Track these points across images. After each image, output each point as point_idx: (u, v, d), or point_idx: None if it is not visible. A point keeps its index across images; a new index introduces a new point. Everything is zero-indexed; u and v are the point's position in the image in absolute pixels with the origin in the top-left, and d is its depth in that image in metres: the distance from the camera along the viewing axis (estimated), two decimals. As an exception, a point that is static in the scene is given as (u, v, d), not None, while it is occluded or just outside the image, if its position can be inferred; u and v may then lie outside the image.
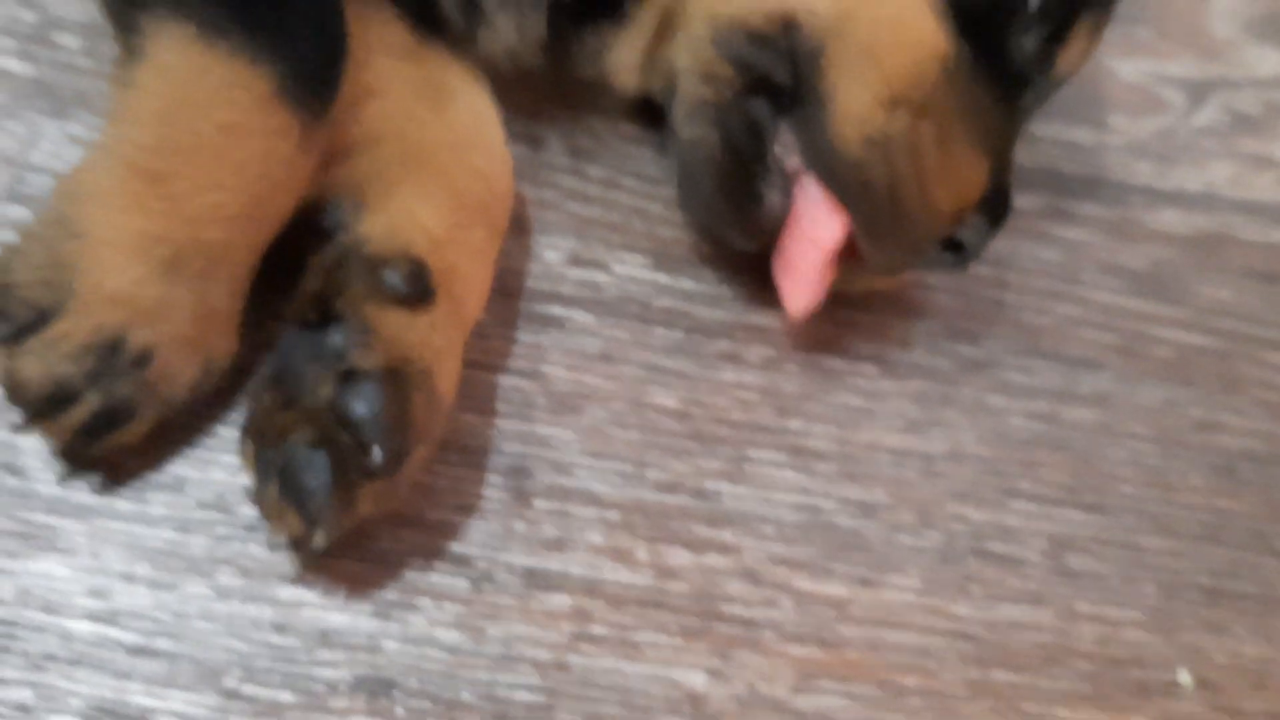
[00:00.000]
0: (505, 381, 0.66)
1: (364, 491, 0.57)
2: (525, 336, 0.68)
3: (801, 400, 0.70)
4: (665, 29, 0.68)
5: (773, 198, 0.65)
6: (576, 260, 0.70)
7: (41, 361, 0.54)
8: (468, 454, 0.64)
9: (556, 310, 0.69)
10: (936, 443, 0.71)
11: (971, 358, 0.75)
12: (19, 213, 0.64)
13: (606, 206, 0.72)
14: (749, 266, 0.72)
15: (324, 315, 0.58)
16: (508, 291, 0.68)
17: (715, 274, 0.72)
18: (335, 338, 0.57)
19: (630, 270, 0.71)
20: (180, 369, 0.56)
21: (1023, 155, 0.80)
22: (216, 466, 0.61)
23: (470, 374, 0.65)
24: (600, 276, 0.70)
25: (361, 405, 0.55)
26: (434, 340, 0.59)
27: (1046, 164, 0.82)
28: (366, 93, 0.62)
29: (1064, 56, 0.68)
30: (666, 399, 0.68)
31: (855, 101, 0.62)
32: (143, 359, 0.54)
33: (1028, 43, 0.66)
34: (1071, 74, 0.71)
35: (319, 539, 0.56)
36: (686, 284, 0.72)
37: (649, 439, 0.67)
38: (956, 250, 0.67)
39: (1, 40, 0.67)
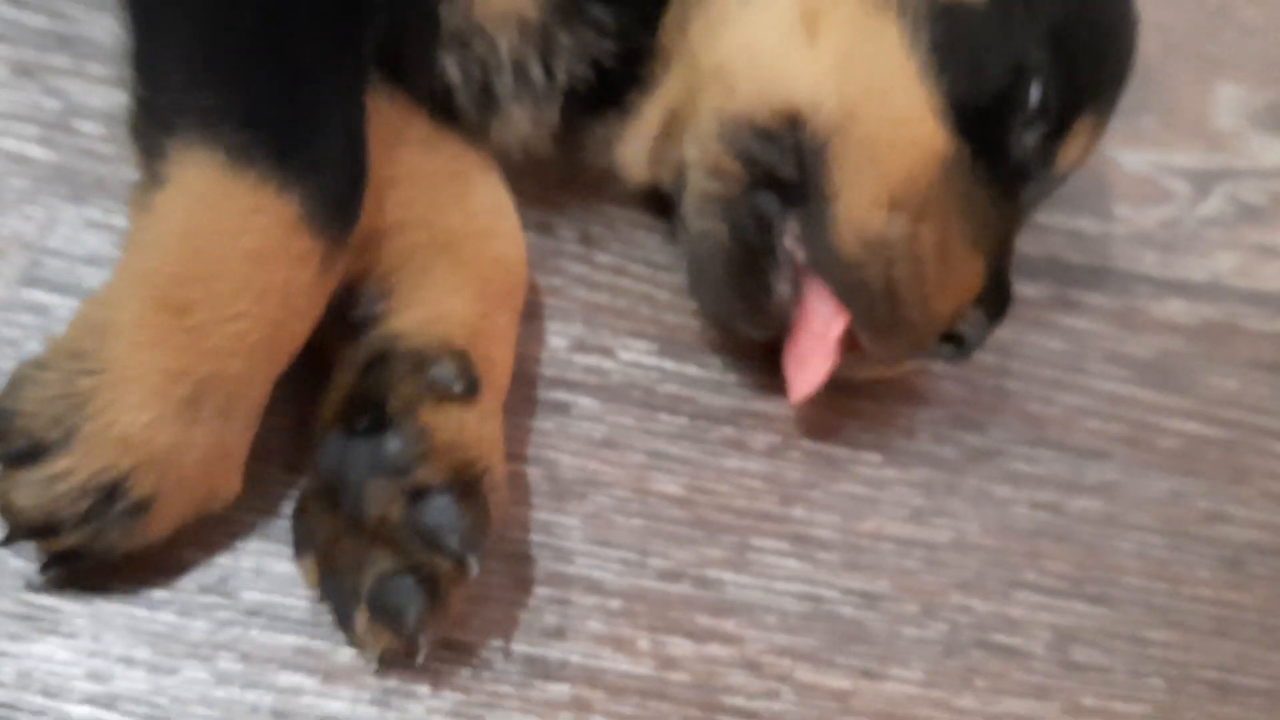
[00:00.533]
0: (510, 467, 0.66)
1: (455, 594, 0.57)
2: (530, 422, 0.68)
3: (805, 488, 0.70)
4: (674, 122, 0.69)
5: (783, 289, 0.66)
6: (582, 346, 0.71)
7: (37, 495, 0.53)
8: (470, 540, 0.64)
9: (562, 396, 0.70)
10: (941, 532, 0.71)
11: (976, 447, 0.75)
12: (35, 296, 0.65)
13: (614, 293, 0.73)
14: (754, 353, 0.72)
15: (375, 421, 0.57)
16: (513, 376, 0.68)
17: (720, 360, 0.73)
18: (392, 446, 0.56)
19: (636, 356, 0.72)
20: (175, 515, 0.55)
21: (1027, 244, 0.81)
22: (220, 549, 0.61)
23: (474, 459, 0.66)
24: (606, 362, 0.71)
25: (444, 525, 0.55)
26: (486, 432, 0.59)
27: (1051, 253, 0.83)
28: (389, 183, 0.63)
29: (1065, 152, 0.69)
30: (670, 486, 0.69)
31: (855, 202, 0.63)
32: (140, 507, 0.54)
33: (1028, 139, 0.67)
34: (1074, 169, 0.72)
35: (421, 653, 0.57)
36: (692, 370, 0.72)
37: (652, 526, 0.67)
38: (957, 343, 0.68)
39: (24, 126, 0.69)
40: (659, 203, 0.75)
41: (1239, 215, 0.88)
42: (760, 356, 0.72)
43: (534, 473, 0.67)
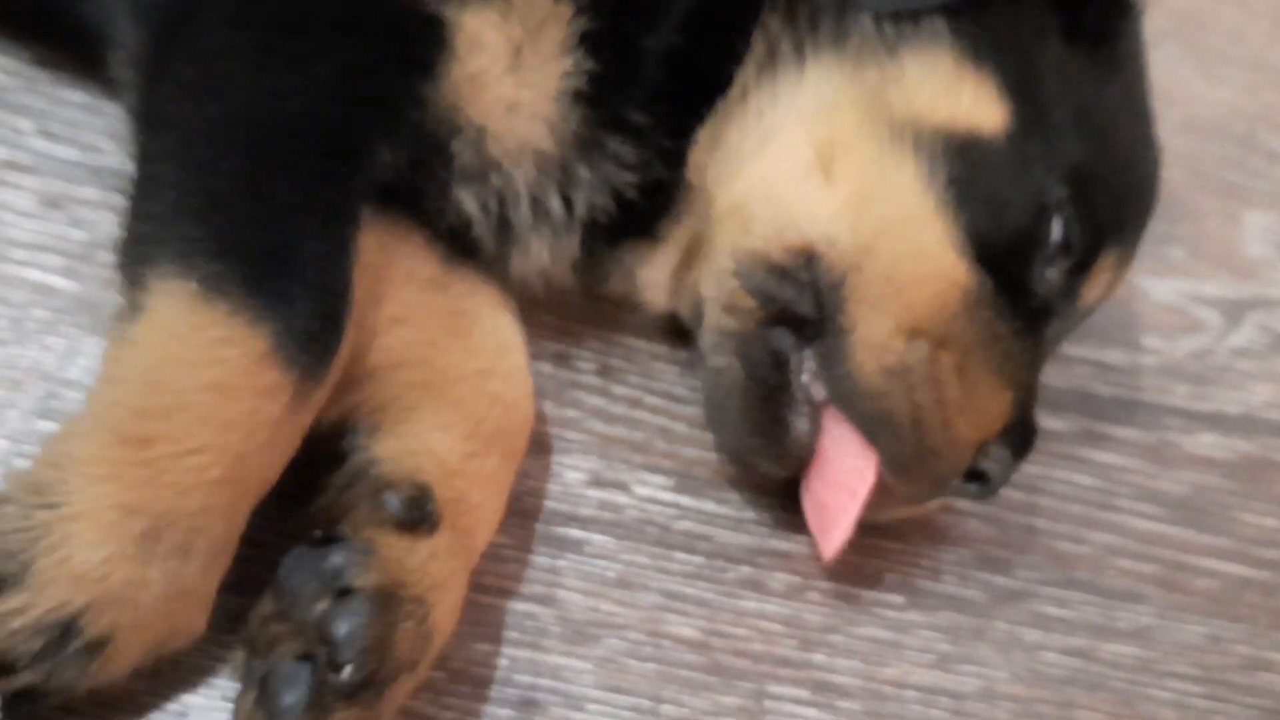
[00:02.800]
0: (519, 607, 0.65)
1: (339, 714, 0.54)
2: (542, 559, 0.67)
3: (826, 632, 0.68)
4: (693, 256, 0.69)
5: (800, 426, 0.65)
6: (598, 481, 0.70)
7: None
8: (476, 684, 0.62)
9: (575, 532, 0.68)
10: (967, 680, 0.68)
11: (1004, 588, 0.72)
12: (50, 428, 0.64)
13: (630, 425, 0.72)
14: (772, 489, 0.70)
15: (329, 535, 0.57)
16: (526, 512, 0.67)
17: (739, 497, 0.71)
18: (336, 557, 0.56)
19: (652, 491, 0.70)
20: (130, 655, 0.54)
21: (1055, 377, 0.80)
22: (219, 692, 0.59)
23: (483, 599, 0.64)
24: (621, 498, 0.70)
25: (343, 622, 0.54)
26: (433, 570, 0.58)
27: (1079, 386, 0.81)
28: (391, 322, 0.63)
29: (1090, 287, 0.68)
30: (685, 629, 0.66)
31: (874, 332, 0.63)
32: (95, 647, 0.52)
33: (1051, 274, 0.66)
34: (1098, 304, 0.71)
35: None
36: (709, 506, 0.71)
37: (666, 672, 0.65)
38: (982, 480, 0.66)
39: (49, 258, 0.69)
40: (677, 334, 0.74)
41: (1273, 345, 0.86)
42: (779, 494, 0.70)
43: (545, 614, 0.65)
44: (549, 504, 0.68)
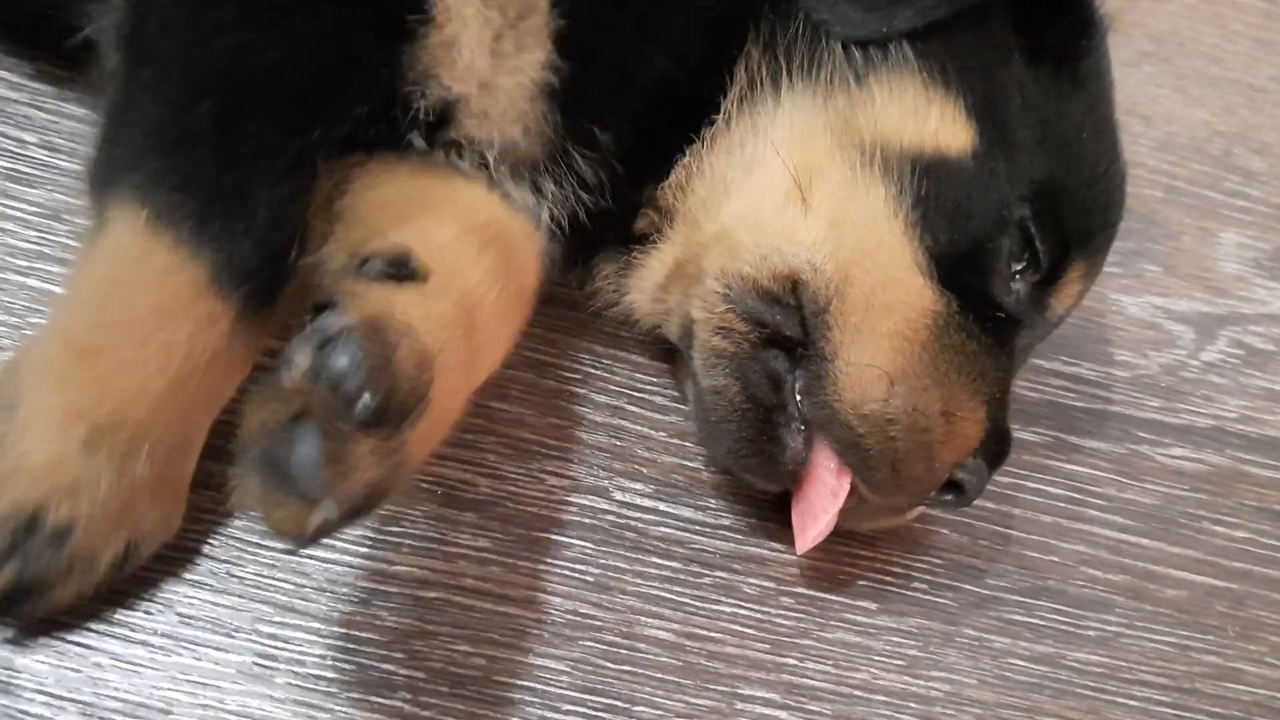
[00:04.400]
0: (498, 609, 0.67)
1: (360, 450, 0.52)
2: (521, 563, 0.69)
3: (797, 636, 0.70)
4: (680, 274, 0.70)
5: (795, 443, 0.66)
6: (578, 487, 0.72)
7: None
8: (454, 684, 0.64)
9: (555, 537, 0.70)
10: (936, 685, 0.70)
11: (974, 595, 0.74)
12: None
13: (611, 433, 0.74)
14: (749, 497, 0.72)
15: (319, 308, 0.56)
16: (507, 516, 0.69)
17: (715, 503, 0.73)
18: (328, 318, 0.54)
19: (630, 498, 0.72)
20: (101, 546, 0.57)
21: (1028, 389, 0.82)
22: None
23: (463, 600, 0.66)
24: (600, 503, 0.71)
25: (342, 359, 0.52)
26: (421, 306, 0.57)
27: (1052, 398, 0.83)
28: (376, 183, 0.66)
29: (1058, 300, 0.70)
30: (660, 631, 0.68)
31: (852, 369, 0.64)
32: (61, 535, 0.56)
33: (1019, 288, 0.68)
34: (1068, 313, 0.73)
35: (327, 513, 0.51)
36: (686, 512, 0.72)
37: (640, 673, 0.67)
38: (957, 491, 0.67)
39: (50, 266, 0.71)
40: (657, 345, 0.76)
41: (1244, 360, 0.88)
42: (755, 501, 0.72)
43: (524, 615, 0.67)
44: (530, 509, 0.70)
